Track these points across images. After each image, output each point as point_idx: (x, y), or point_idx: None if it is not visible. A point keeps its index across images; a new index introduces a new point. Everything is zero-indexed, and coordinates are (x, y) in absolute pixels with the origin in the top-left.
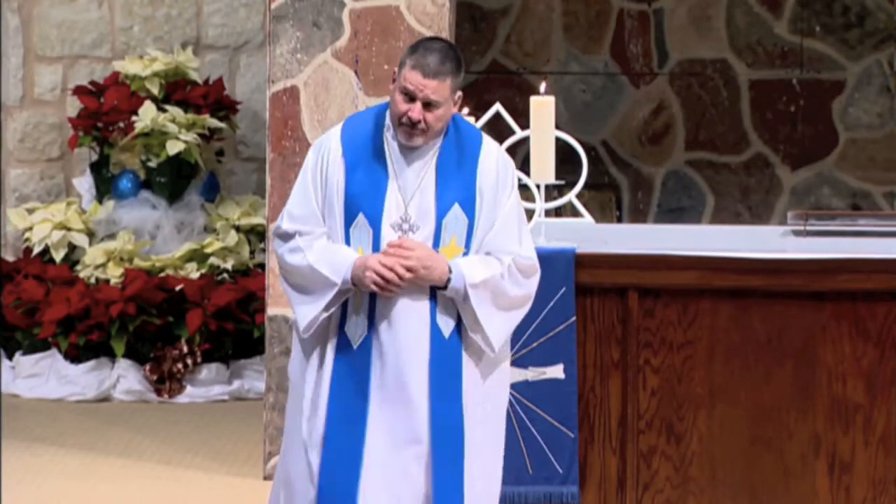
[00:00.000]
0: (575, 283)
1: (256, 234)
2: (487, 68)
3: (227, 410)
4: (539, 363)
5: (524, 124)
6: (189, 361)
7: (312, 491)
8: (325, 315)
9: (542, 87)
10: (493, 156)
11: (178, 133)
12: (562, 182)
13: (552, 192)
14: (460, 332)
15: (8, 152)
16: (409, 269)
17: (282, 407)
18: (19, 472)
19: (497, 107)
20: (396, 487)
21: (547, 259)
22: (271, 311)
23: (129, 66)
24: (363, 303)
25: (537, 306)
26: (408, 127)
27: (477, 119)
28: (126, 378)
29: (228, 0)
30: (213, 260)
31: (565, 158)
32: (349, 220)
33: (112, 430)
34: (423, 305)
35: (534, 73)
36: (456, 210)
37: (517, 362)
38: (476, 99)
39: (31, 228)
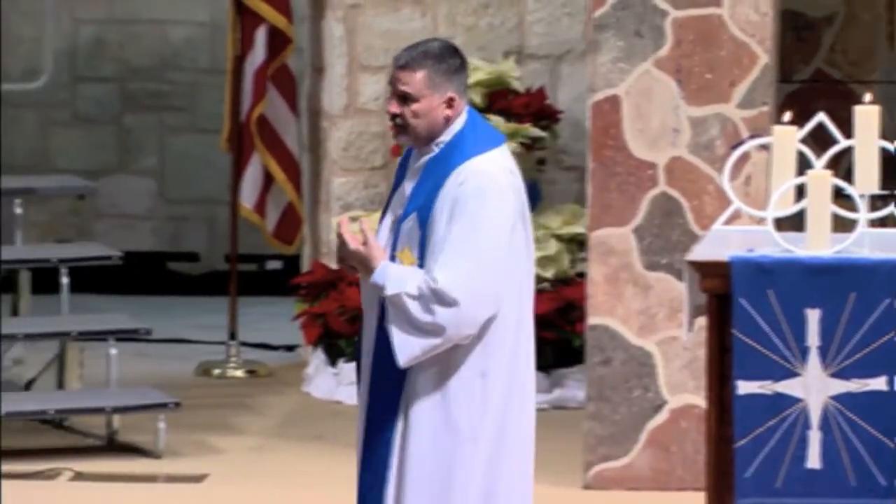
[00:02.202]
0: None
1: (577, 244)
2: (811, 77)
3: (548, 419)
4: (862, 375)
5: (848, 133)
6: None
7: None
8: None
9: (867, 97)
10: (462, 177)
11: None
12: (886, 192)
13: (876, 202)
14: None
15: (332, 161)
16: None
17: (603, 416)
18: (343, 478)
19: (821, 116)
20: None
21: (870, 270)
22: (592, 320)
23: None
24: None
25: (859, 317)
26: (393, 126)
27: (800, 128)
28: None
29: (551, 10)
30: None
31: (890, 168)
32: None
33: None
34: (375, 308)
35: (858, 82)
36: (413, 219)
37: (839, 374)
38: (799, 108)
39: None
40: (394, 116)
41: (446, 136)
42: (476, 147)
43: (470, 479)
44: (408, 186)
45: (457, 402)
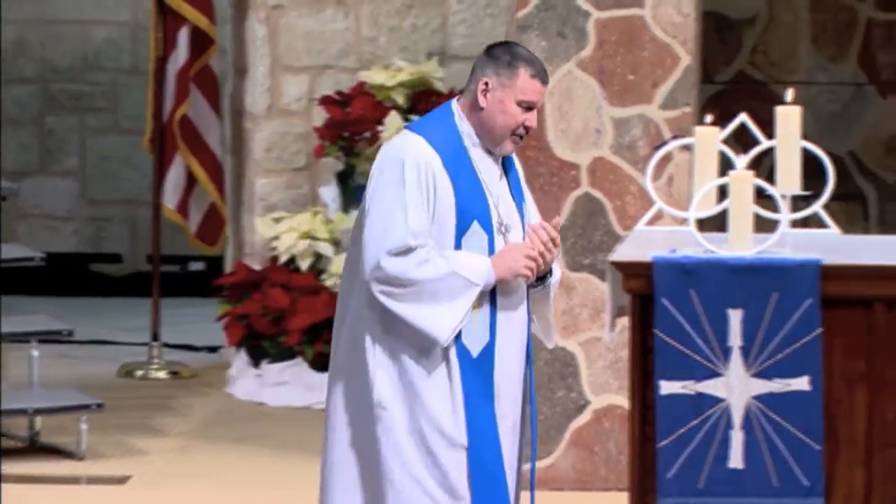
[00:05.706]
0: (821, 295)
1: None
2: (733, 78)
3: None
4: (784, 375)
5: (770, 134)
6: None
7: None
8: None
9: (788, 94)
10: (516, 160)
11: None
12: (808, 193)
13: (798, 202)
14: None
15: (255, 162)
16: (553, 242)
17: None
18: (267, 479)
19: (742, 117)
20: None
21: (792, 270)
22: None
23: (375, 77)
24: (484, 310)
25: (781, 317)
26: (519, 137)
27: (722, 129)
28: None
29: (474, 10)
30: None
31: (812, 169)
32: (462, 230)
33: None
34: (525, 308)
35: (780, 83)
36: (525, 208)
37: (761, 374)
38: (721, 109)
39: (277, 237)
40: (529, 130)
41: None
42: None
43: None
44: (495, 187)
45: None
